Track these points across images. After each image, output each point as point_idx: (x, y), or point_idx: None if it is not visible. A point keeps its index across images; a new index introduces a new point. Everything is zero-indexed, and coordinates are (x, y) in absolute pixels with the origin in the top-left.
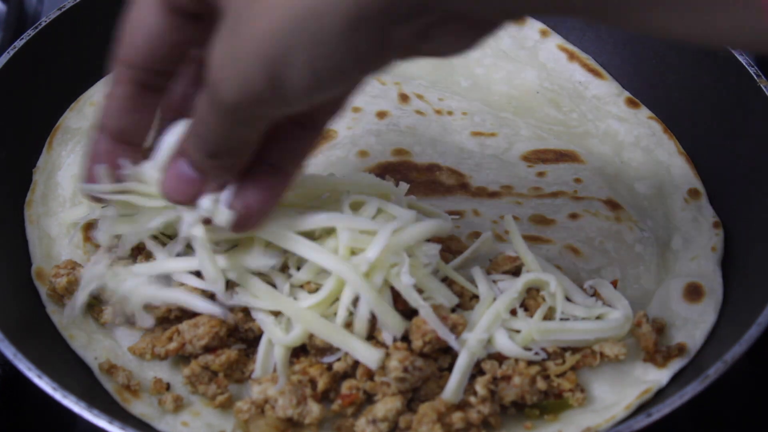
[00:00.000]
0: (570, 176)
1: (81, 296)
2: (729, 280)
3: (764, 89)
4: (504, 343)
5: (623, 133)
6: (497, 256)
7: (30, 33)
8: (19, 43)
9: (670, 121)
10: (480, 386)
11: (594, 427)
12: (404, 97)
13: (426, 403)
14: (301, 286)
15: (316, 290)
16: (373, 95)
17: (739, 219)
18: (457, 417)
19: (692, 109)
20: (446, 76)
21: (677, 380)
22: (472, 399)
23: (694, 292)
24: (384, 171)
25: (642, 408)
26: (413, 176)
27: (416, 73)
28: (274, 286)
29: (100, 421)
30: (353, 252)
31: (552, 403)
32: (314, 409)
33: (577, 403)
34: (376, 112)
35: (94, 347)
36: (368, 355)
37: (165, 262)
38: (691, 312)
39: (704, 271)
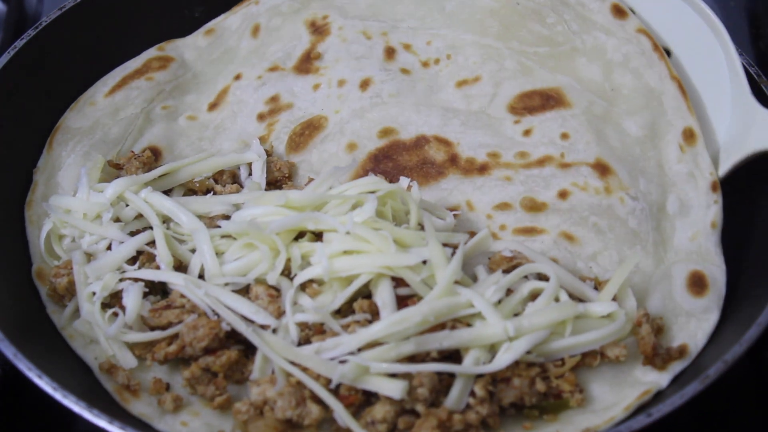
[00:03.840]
0: (557, 130)
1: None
2: (729, 280)
3: (764, 89)
4: (506, 358)
5: (611, 50)
6: (495, 255)
7: (30, 33)
8: (19, 43)
9: None
10: (478, 387)
11: (593, 428)
12: (390, 52)
13: (430, 409)
14: (304, 290)
15: (317, 294)
16: (358, 56)
17: (739, 219)
18: (456, 418)
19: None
20: (431, 7)
21: (677, 380)
22: (471, 400)
23: (697, 284)
24: (375, 162)
25: (641, 409)
26: (404, 160)
27: (403, 12)
28: (276, 289)
29: (100, 421)
30: (346, 252)
31: (551, 404)
32: (313, 410)
33: (576, 404)
34: (360, 82)
35: (94, 347)
36: (391, 387)
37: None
38: (695, 307)
39: (705, 251)
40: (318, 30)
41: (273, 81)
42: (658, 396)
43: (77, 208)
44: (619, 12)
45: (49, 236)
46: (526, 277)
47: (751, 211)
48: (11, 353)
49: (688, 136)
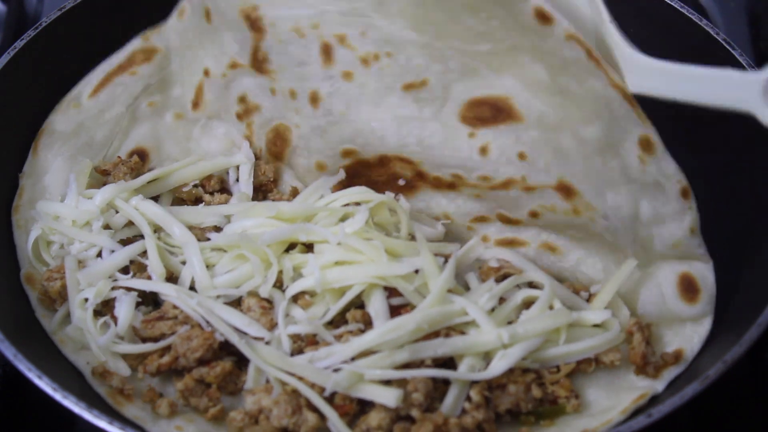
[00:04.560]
0: (514, 149)
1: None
2: (729, 280)
3: None
4: (501, 366)
5: (549, 53)
6: (483, 265)
7: (30, 33)
8: (19, 44)
9: (668, 121)
10: (474, 392)
11: (591, 429)
12: (327, 51)
13: (425, 414)
14: (296, 302)
15: (309, 306)
16: (298, 62)
17: (739, 219)
18: (452, 422)
19: (691, 109)
20: None
21: (677, 380)
22: (467, 405)
23: (689, 289)
24: (349, 178)
25: (638, 412)
26: (374, 176)
27: None
28: (269, 301)
29: (100, 422)
30: (338, 262)
31: (547, 410)
32: (309, 418)
33: (572, 410)
34: (309, 95)
35: (86, 352)
36: (386, 395)
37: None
38: (690, 313)
39: (690, 254)
40: (254, 25)
41: (237, 79)
42: (658, 397)
43: (66, 215)
44: (543, 18)
45: (37, 242)
46: (518, 285)
47: (750, 211)
48: (11, 354)
49: (646, 145)
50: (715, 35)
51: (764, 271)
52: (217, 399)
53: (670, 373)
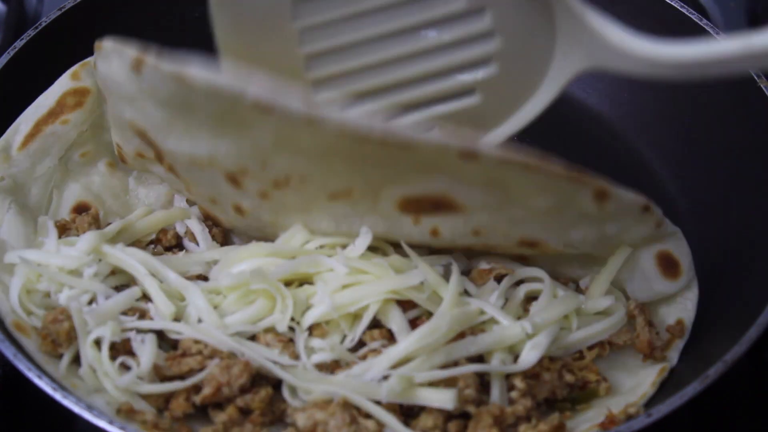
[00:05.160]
0: (465, 229)
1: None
2: (729, 280)
3: (764, 89)
4: (534, 355)
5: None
6: (474, 270)
7: (30, 33)
8: (19, 43)
9: (668, 120)
10: (518, 381)
11: (632, 403)
12: (234, 180)
13: (481, 408)
14: (311, 333)
15: (326, 335)
16: (209, 182)
17: (738, 218)
18: (508, 412)
19: (692, 109)
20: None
21: (676, 381)
22: (514, 394)
23: (669, 265)
24: None
25: (664, 383)
26: None
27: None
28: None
29: (100, 422)
30: (345, 286)
31: (582, 395)
32: (369, 425)
33: (605, 392)
34: (232, 206)
35: (102, 394)
36: (442, 398)
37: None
38: (677, 287)
39: (660, 234)
40: (150, 144)
41: (152, 165)
42: (658, 396)
43: (51, 262)
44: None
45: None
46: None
47: (750, 211)
48: (11, 353)
49: (600, 195)
50: (715, 35)
51: (764, 271)
52: (261, 425)
53: (678, 345)
